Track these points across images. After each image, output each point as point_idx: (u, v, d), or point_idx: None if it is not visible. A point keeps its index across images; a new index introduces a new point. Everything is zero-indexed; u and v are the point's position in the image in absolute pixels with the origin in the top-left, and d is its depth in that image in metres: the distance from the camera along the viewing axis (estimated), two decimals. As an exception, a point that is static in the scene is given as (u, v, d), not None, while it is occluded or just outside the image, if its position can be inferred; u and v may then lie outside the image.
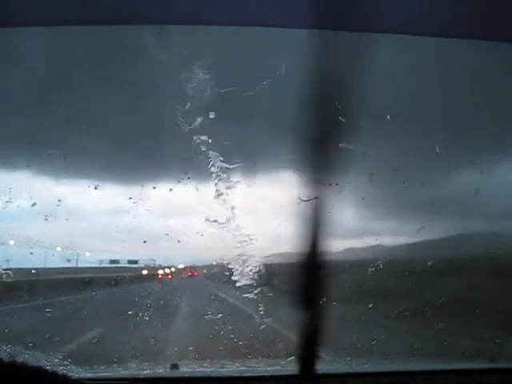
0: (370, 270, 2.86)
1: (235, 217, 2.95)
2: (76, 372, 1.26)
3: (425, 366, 1.59)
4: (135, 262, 13.42)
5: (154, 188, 3.45)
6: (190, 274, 13.79)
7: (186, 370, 1.46)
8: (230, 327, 3.37)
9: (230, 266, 2.93)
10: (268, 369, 1.44)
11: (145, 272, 13.54)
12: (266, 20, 1.50)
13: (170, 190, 3.38)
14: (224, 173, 2.90)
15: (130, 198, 3.15)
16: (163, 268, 13.50)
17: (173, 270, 13.76)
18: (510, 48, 1.57)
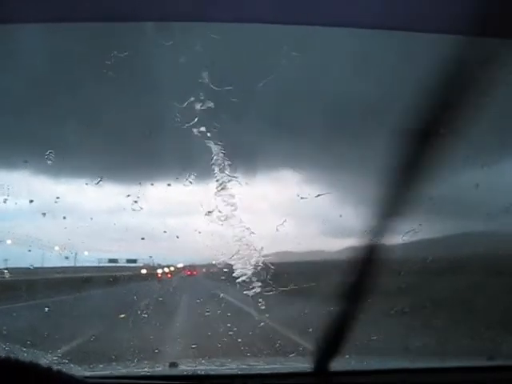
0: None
1: (235, 215, 2.94)
2: (74, 370, 1.25)
3: (423, 363, 1.59)
4: (134, 261, 13.40)
5: (153, 186, 3.44)
6: (189, 273, 13.79)
7: (185, 368, 1.45)
8: (229, 326, 3.37)
9: (229, 265, 2.92)
10: (272, 366, 1.44)
11: (143, 271, 13.53)
12: (266, 17, 1.49)
13: (169, 188, 3.37)
14: (223, 171, 2.89)
15: (128, 196, 3.14)
16: (162, 267, 13.49)
17: (172, 269, 13.76)
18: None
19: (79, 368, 1.30)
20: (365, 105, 3.49)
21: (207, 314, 3.94)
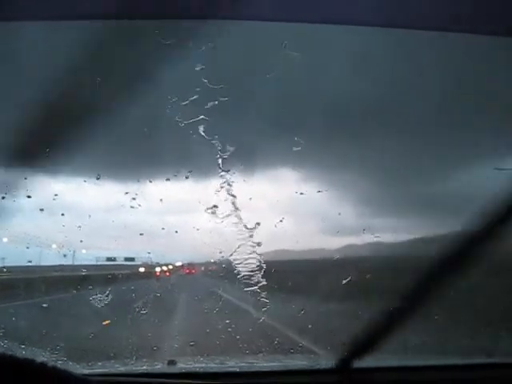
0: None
1: (233, 213, 2.94)
2: (73, 368, 1.25)
3: (421, 361, 1.60)
4: (132, 259, 13.40)
5: (151, 183, 3.43)
6: (187, 271, 13.81)
7: (184, 365, 1.45)
8: (227, 322, 3.37)
9: (228, 263, 2.93)
10: (271, 364, 1.44)
11: (142, 269, 13.52)
12: (266, 14, 1.48)
13: (167, 186, 3.37)
14: (222, 169, 2.89)
15: (127, 193, 3.13)
16: (160, 265, 13.49)
17: (170, 267, 13.76)
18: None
19: (77, 366, 1.30)
20: (364, 103, 3.49)
21: (206, 311, 3.94)
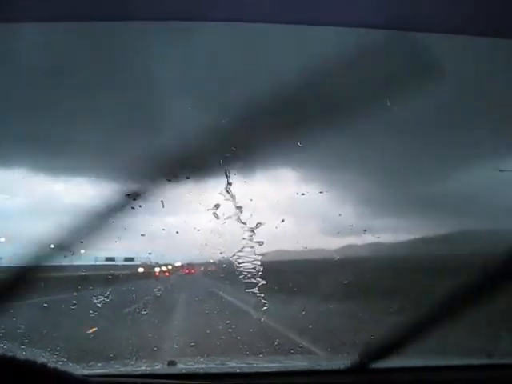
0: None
1: (233, 214, 2.94)
2: (73, 369, 1.25)
3: (421, 361, 1.60)
4: (131, 259, 13.38)
5: (151, 184, 3.43)
6: (187, 271, 13.83)
7: (184, 366, 1.45)
8: (228, 323, 3.37)
9: (228, 264, 2.92)
10: (271, 364, 1.44)
11: (141, 270, 13.50)
12: (266, 16, 1.49)
13: (167, 186, 3.36)
14: (222, 169, 2.88)
15: (126, 193, 3.13)
16: (160, 266, 13.48)
17: (170, 267, 13.76)
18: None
19: (78, 366, 1.30)
20: (365, 104, 3.48)
21: (205, 312, 3.93)
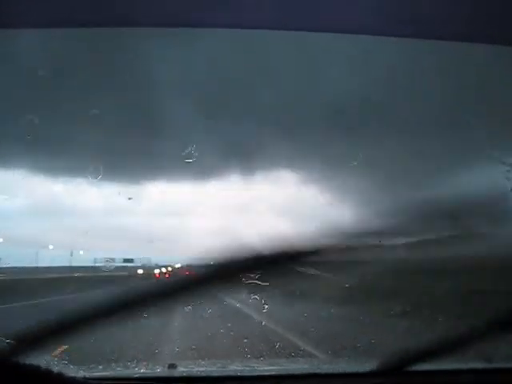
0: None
1: (233, 215, 2.94)
2: (73, 371, 1.24)
3: (420, 365, 1.59)
4: (131, 260, 13.32)
5: (151, 185, 3.44)
6: (187, 273, 13.82)
7: (184, 369, 1.44)
8: (229, 326, 3.36)
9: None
10: (272, 368, 1.43)
11: (140, 271, 13.46)
12: (266, 23, 1.50)
13: (167, 188, 3.37)
14: (222, 171, 2.89)
15: (126, 195, 3.14)
16: (160, 267, 13.44)
17: (169, 269, 13.73)
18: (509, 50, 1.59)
19: (78, 369, 1.29)
20: (365, 107, 3.50)
21: (206, 313, 3.91)
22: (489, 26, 1.45)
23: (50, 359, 1.13)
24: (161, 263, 13.55)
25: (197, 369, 1.45)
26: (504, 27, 1.42)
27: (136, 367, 1.52)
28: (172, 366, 1.39)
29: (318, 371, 1.36)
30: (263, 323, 3.02)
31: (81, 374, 1.22)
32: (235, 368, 1.43)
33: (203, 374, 1.37)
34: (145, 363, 1.51)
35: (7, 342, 0.97)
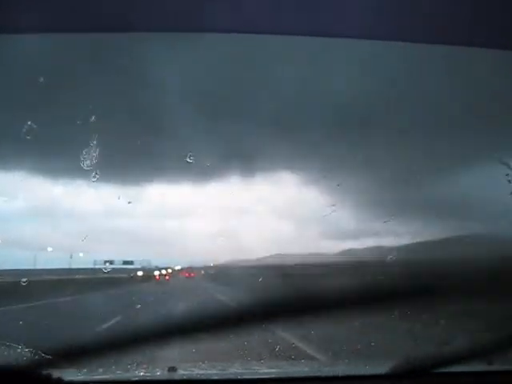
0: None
1: (233, 217, 2.94)
2: (73, 374, 1.23)
3: (424, 369, 1.58)
4: (131, 262, 13.30)
5: (151, 188, 3.44)
6: (187, 274, 13.85)
7: (184, 372, 1.44)
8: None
9: (227, 267, 2.92)
10: (271, 370, 1.43)
11: (140, 273, 13.44)
12: (262, 27, 1.50)
13: (167, 190, 3.38)
14: (222, 174, 2.89)
15: (130, 203, 3.14)
16: (160, 269, 13.43)
17: (169, 271, 13.72)
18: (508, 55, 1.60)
19: (78, 372, 1.28)
20: (364, 109, 3.51)
21: (205, 314, 3.88)
22: (489, 30, 1.46)
23: (48, 361, 1.13)
24: (161, 265, 13.53)
25: (197, 372, 1.45)
26: (504, 32, 1.44)
27: (136, 370, 1.52)
28: (172, 369, 1.38)
29: (318, 374, 1.36)
30: (262, 325, 2.98)
31: (80, 377, 1.22)
32: (235, 371, 1.43)
33: (203, 377, 1.36)
34: (145, 366, 1.50)
35: (40, 355, 0.97)
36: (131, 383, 1.34)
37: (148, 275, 13.26)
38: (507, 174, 2.79)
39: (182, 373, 1.40)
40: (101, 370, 1.34)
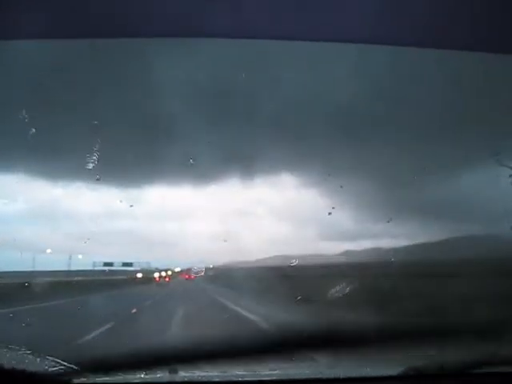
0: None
1: (233, 219, 2.95)
2: (75, 377, 1.24)
3: (425, 370, 1.58)
4: (130, 264, 13.28)
5: (151, 190, 3.45)
6: (187, 276, 13.85)
7: (186, 374, 1.44)
8: (229, 328, 3.35)
9: (227, 269, 2.93)
10: (272, 372, 1.43)
11: (139, 275, 13.43)
12: (263, 32, 1.52)
13: (167, 192, 3.38)
14: (222, 176, 2.90)
15: (131, 206, 3.14)
16: (159, 271, 13.42)
17: (169, 273, 13.71)
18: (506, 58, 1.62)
19: (78, 375, 1.28)
20: (364, 111, 3.53)
21: (204, 315, 3.90)
22: (487, 35, 1.48)
23: (50, 363, 1.13)
24: (160, 267, 13.50)
25: (198, 373, 1.45)
26: (503, 36, 1.46)
27: (137, 372, 1.52)
28: (173, 371, 1.38)
29: (319, 376, 1.36)
30: (261, 325, 2.98)
31: (81, 380, 1.22)
32: (236, 373, 1.43)
33: (204, 379, 1.37)
34: (145, 368, 1.50)
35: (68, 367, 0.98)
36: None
37: (148, 277, 13.24)
38: (511, 175, 2.81)
39: (183, 374, 1.40)
40: (100, 372, 1.34)
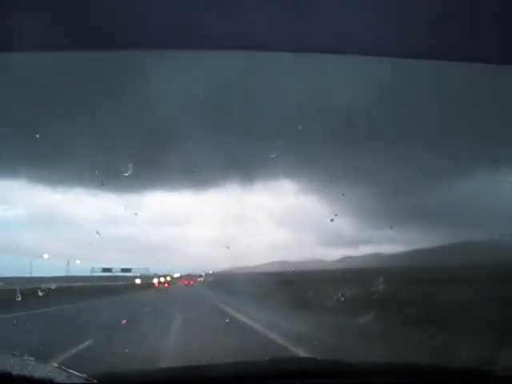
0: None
1: (232, 225, 2.95)
2: (73, 378, 1.23)
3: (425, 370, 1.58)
4: (129, 270, 13.20)
5: (150, 195, 3.47)
6: (186, 282, 13.79)
7: (183, 373, 1.44)
8: (227, 332, 3.33)
9: (226, 275, 2.93)
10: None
11: (138, 281, 13.36)
12: (262, 43, 1.54)
13: (167, 198, 3.40)
14: (222, 182, 2.92)
15: (135, 214, 3.14)
16: (158, 277, 13.35)
17: (168, 278, 13.64)
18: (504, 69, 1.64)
19: (78, 377, 1.28)
20: (363, 118, 3.56)
21: (203, 320, 3.88)
22: (486, 46, 1.51)
23: (51, 367, 1.13)
24: (159, 273, 13.43)
25: (190, 371, 1.45)
26: (500, 48, 1.48)
27: (135, 373, 1.52)
28: (170, 370, 1.38)
29: (314, 370, 1.36)
30: (258, 330, 2.96)
31: (81, 380, 1.22)
32: (233, 369, 1.43)
33: (196, 376, 1.36)
34: (143, 368, 1.50)
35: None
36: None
37: (147, 283, 13.17)
38: (510, 183, 2.83)
39: (180, 373, 1.41)
40: (101, 373, 1.34)
